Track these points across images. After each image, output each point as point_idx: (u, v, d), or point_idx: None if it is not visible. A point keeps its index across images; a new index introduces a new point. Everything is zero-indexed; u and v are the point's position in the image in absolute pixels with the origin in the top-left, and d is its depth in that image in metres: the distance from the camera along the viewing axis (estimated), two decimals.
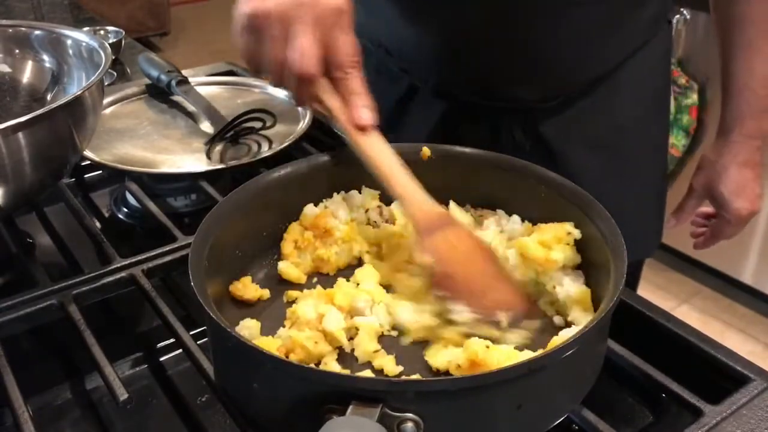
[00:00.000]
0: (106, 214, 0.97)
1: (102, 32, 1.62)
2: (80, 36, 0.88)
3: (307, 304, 0.65)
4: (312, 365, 0.60)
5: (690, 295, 2.46)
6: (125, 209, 0.95)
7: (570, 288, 0.66)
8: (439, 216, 0.69)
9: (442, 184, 0.76)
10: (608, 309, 0.56)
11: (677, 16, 2.14)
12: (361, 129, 0.70)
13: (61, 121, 0.73)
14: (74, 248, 0.87)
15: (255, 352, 0.53)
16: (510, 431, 0.55)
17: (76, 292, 0.71)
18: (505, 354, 0.58)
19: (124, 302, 0.79)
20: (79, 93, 0.73)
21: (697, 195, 1.04)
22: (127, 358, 0.74)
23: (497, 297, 0.65)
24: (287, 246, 0.73)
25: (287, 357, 0.60)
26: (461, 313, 0.63)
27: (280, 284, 0.72)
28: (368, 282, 0.69)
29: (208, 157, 0.93)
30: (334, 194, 0.77)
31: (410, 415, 0.50)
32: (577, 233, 0.68)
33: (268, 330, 0.65)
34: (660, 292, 2.42)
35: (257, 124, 0.98)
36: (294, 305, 0.66)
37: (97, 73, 0.77)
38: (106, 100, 1.04)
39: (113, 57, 1.32)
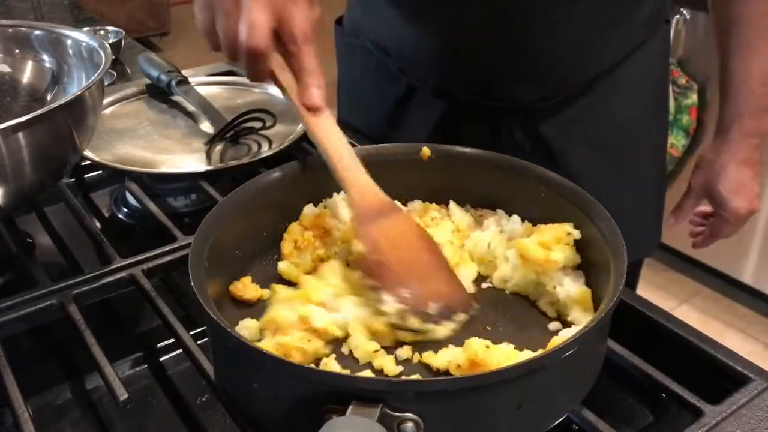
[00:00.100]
0: (106, 214, 0.97)
1: (102, 32, 1.62)
2: (80, 36, 0.88)
3: (283, 308, 0.64)
4: (311, 365, 0.60)
5: (690, 295, 2.46)
6: (125, 209, 0.95)
7: (570, 288, 0.65)
8: (380, 204, 0.68)
9: (442, 184, 0.76)
10: (608, 309, 0.56)
11: (677, 16, 2.14)
12: (312, 110, 0.69)
13: (61, 121, 0.73)
14: (74, 248, 0.87)
15: (255, 352, 0.54)
16: (510, 431, 0.55)
17: (76, 292, 0.71)
18: (505, 354, 0.58)
19: (124, 302, 0.79)
20: (79, 93, 0.73)
21: (696, 194, 1.04)
22: (127, 358, 0.74)
23: (431, 287, 0.65)
24: (287, 246, 0.73)
25: None
26: (388, 303, 0.62)
27: (280, 284, 0.71)
28: (333, 278, 0.69)
29: (208, 157, 0.94)
30: (334, 194, 0.77)
31: (410, 415, 0.50)
32: (576, 233, 0.68)
33: None
34: (660, 292, 2.42)
35: (257, 124, 0.98)
36: (266, 315, 0.64)
37: (97, 73, 0.77)
38: (106, 100, 1.04)
39: (113, 57, 1.32)
